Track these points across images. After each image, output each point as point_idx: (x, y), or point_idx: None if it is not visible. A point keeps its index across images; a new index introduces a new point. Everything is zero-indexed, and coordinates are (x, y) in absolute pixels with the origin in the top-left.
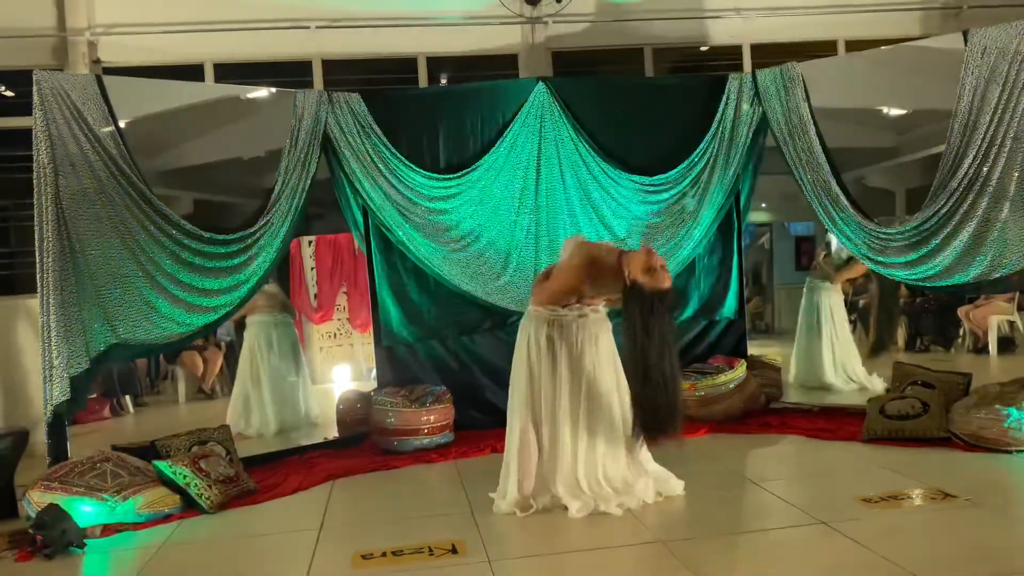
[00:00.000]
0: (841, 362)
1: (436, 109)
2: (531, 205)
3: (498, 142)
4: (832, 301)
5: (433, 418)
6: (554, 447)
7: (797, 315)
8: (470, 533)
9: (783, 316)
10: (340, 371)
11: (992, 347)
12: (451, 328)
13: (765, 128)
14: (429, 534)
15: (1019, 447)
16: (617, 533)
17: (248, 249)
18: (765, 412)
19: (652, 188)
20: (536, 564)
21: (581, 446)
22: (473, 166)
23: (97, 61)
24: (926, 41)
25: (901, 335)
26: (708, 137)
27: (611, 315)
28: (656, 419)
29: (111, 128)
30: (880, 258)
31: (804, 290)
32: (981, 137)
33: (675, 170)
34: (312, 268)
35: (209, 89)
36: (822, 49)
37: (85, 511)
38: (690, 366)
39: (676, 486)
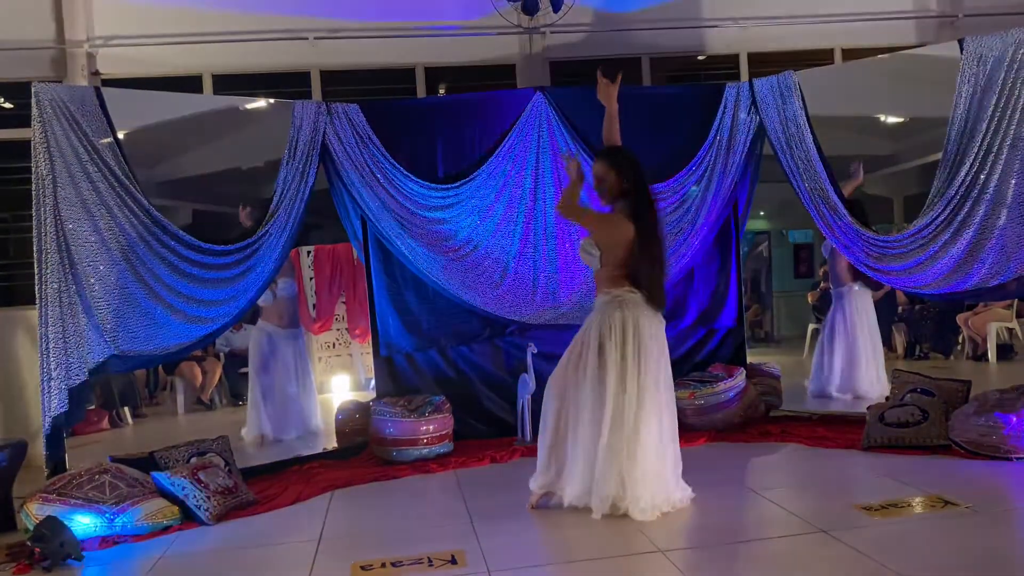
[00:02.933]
0: (844, 370)
1: (434, 119)
2: (529, 214)
3: (496, 152)
4: (850, 306)
5: (432, 428)
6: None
7: (796, 322)
8: (470, 543)
9: (782, 324)
10: (339, 381)
11: (991, 354)
12: (450, 338)
13: (763, 136)
14: (428, 544)
15: (1019, 454)
16: (617, 543)
17: (247, 260)
18: (764, 420)
19: None
20: (536, 574)
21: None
22: (471, 176)
23: (96, 73)
24: (922, 49)
25: (901, 342)
26: (706, 146)
27: None
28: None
29: (110, 139)
30: (878, 266)
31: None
32: (978, 145)
33: (673, 179)
34: (311, 278)
35: (208, 100)
36: (819, 58)
37: (83, 523)
38: (689, 374)
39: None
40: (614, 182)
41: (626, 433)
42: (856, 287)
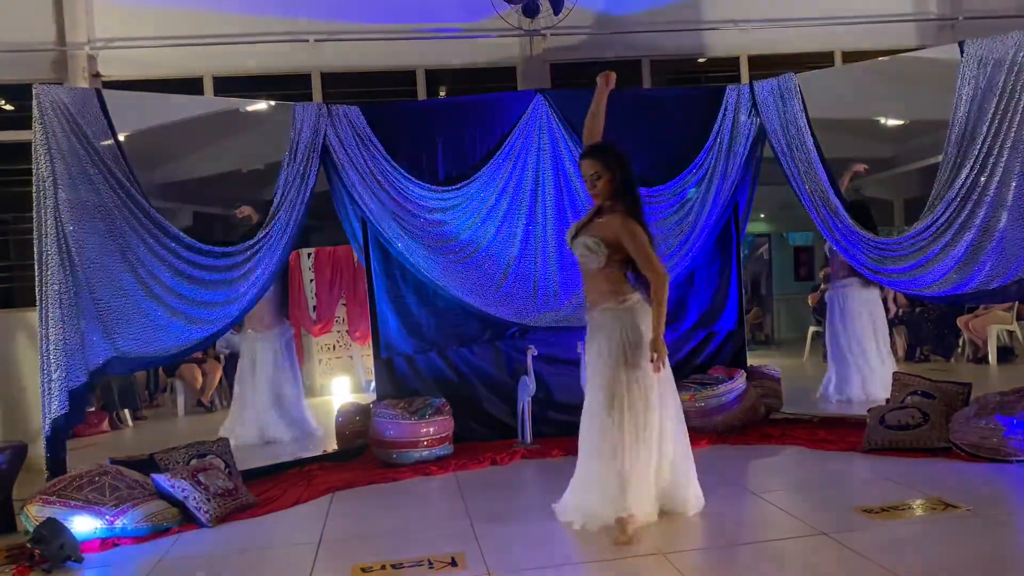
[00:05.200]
0: (839, 368)
1: (435, 121)
2: (530, 216)
3: (497, 154)
4: (849, 302)
5: (432, 430)
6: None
7: (796, 325)
8: (470, 545)
9: (782, 326)
10: (339, 383)
11: (992, 356)
12: (450, 340)
13: (763, 139)
14: (429, 546)
15: (1019, 457)
16: (618, 545)
17: (247, 262)
18: (765, 423)
19: (650, 199)
20: None
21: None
22: (472, 178)
23: (97, 75)
24: (922, 52)
25: (901, 345)
26: (706, 148)
27: None
28: None
29: (110, 141)
30: (879, 268)
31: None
32: (978, 147)
33: (673, 181)
34: (311, 280)
35: (208, 102)
36: (819, 60)
37: (83, 525)
38: (690, 377)
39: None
40: (608, 181)
41: (677, 437)
42: (849, 283)
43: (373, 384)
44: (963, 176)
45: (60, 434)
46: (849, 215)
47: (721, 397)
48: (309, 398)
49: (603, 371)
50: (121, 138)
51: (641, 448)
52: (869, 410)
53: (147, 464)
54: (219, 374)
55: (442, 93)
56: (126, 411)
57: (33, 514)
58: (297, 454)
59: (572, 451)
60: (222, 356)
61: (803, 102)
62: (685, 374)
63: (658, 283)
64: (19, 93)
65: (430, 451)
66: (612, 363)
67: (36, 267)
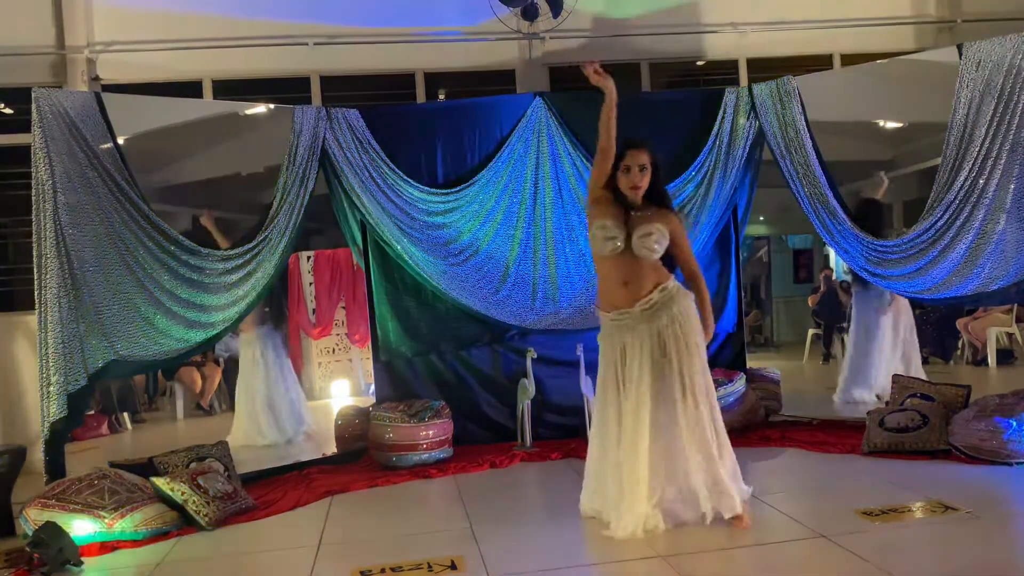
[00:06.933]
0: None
1: (434, 124)
2: (529, 219)
3: (496, 157)
4: (865, 298)
5: (432, 433)
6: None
7: (796, 327)
8: (469, 549)
9: (782, 329)
10: (338, 386)
11: (991, 359)
12: (449, 342)
13: (762, 142)
14: (428, 550)
15: (1019, 459)
16: (618, 548)
17: (246, 265)
18: (765, 425)
19: None
20: None
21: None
22: (471, 181)
23: (96, 78)
24: (921, 55)
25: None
26: (705, 151)
27: None
28: None
29: (110, 145)
30: (878, 271)
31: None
32: (977, 149)
33: (672, 184)
34: (311, 283)
35: (207, 106)
36: (818, 63)
37: (82, 528)
38: None
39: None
40: (651, 177)
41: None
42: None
43: (372, 387)
44: (962, 178)
45: (59, 438)
46: (859, 215)
47: (720, 400)
48: (308, 401)
49: (675, 360)
50: (120, 141)
51: (723, 432)
52: (868, 412)
53: (146, 467)
54: (218, 377)
55: (441, 96)
56: (125, 414)
57: (32, 518)
58: (296, 457)
59: (571, 454)
60: (221, 360)
61: (802, 105)
62: None
63: (701, 279)
64: (18, 96)
65: (429, 454)
66: (681, 350)
67: (35, 270)
